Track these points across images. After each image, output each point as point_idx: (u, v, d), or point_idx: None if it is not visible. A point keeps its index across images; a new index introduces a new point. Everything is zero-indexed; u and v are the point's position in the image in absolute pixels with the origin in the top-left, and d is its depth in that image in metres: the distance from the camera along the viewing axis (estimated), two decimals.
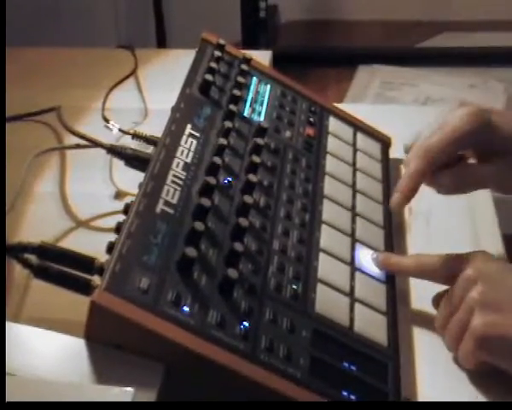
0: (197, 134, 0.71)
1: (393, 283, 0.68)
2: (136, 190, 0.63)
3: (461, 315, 0.61)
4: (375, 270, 0.68)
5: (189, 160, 0.67)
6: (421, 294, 0.69)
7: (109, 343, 0.54)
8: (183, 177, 0.65)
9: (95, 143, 0.80)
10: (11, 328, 0.57)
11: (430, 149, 0.67)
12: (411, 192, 0.68)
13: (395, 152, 0.86)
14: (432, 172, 0.68)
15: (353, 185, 0.77)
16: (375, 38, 2.47)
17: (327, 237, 0.68)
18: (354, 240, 0.70)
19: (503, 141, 0.68)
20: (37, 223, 0.80)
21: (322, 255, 0.66)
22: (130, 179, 0.72)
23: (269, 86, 0.83)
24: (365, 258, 0.68)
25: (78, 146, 0.83)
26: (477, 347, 0.60)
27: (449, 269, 0.64)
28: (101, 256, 0.60)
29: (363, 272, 0.67)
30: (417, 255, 0.68)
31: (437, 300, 0.66)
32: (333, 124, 0.84)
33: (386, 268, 0.68)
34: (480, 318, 0.59)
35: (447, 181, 0.69)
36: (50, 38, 2.02)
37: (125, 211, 0.63)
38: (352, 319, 0.62)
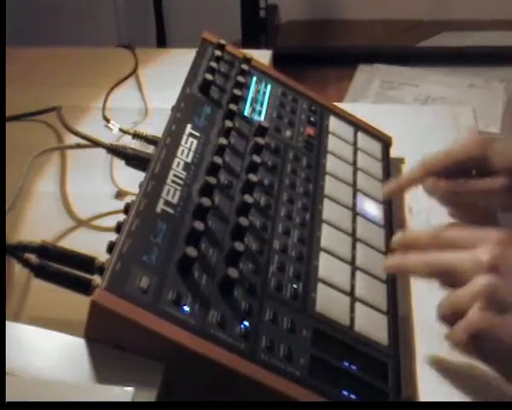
0: (197, 134, 0.71)
1: (394, 282, 0.68)
2: (136, 190, 0.63)
3: (461, 295, 0.57)
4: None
5: (189, 159, 0.67)
6: (422, 293, 0.69)
7: (109, 343, 0.54)
8: (183, 176, 0.65)
9: (95, 143, 0.80)
10: (11, 328, 0.57)
11: (428, 159, 0.73)
12: (400, 189, 0.75)
13: (395, 151, 0.86)
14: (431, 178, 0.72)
15: (354, 185, 0.77)
16: (375, 37, 2.47)
17: (327, 237, 0.68)
18: (355, 239, 0.70)
19: (503, 166, 0.70)
20: (37, 223, 0.80)
21: (322, 255, 0.66)
22: (131, 179, 0.72)
23: (269, 86, 0.83)
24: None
25: (78, 146, 0.83)
26: (469, 340, 0.55)
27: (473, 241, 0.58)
28: (102, 256, 0.60)
29: (363, 273, 0.67)
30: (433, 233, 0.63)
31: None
32: (333, 123, 0.84)
33: (392, 270, 0.67)
34: (479, 311, 0.55)
35: (444, 186, 0.71)
36: (50, 37, 2.03)
37: (126, 210, 0.63)
38: (352, 319, 0.62)
